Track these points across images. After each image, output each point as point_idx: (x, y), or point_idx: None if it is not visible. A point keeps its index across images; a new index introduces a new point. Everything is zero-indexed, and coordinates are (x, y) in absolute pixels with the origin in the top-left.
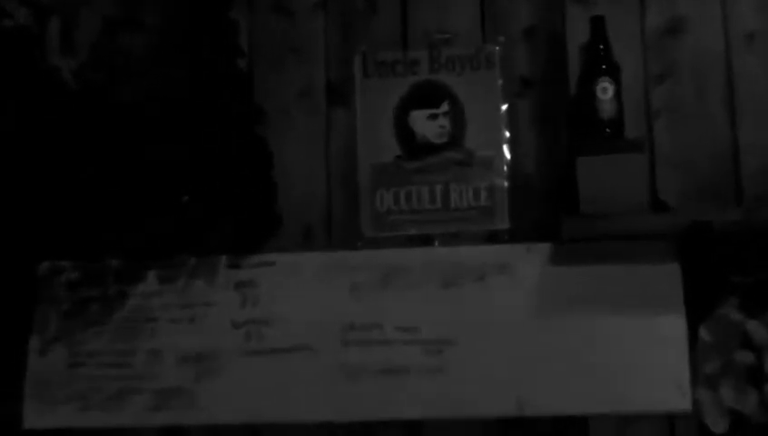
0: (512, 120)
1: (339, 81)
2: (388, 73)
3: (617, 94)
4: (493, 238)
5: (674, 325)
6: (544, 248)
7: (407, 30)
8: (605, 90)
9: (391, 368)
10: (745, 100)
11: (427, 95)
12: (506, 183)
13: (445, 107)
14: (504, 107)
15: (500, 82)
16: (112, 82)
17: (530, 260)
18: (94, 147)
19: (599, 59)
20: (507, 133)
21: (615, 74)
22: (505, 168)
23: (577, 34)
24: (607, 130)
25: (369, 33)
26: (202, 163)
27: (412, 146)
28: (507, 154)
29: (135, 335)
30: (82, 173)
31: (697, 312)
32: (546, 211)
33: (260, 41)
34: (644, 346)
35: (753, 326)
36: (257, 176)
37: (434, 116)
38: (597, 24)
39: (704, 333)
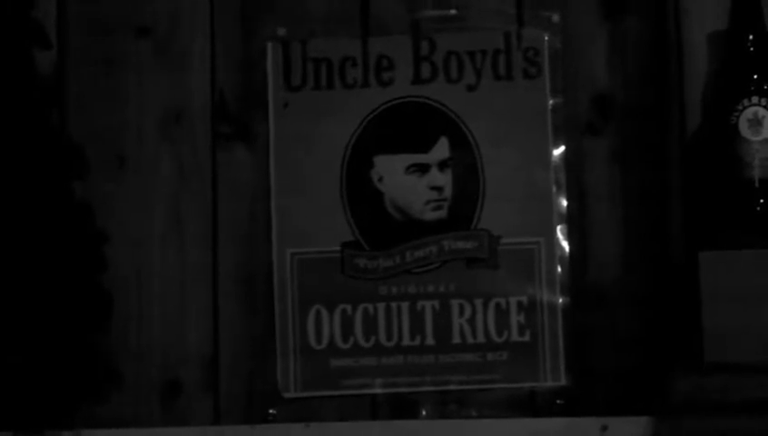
0: (573, 176)
1: (235, 95)
2: (332, 81)
3: None
4: (535, 405)
5: None
6: (632, 426)
7: None
8: (757, 122)
9: None
10: None
11: (407, 128)
12: (560, 300)
13: (443, 151)
14: (557, 152)
15: (552, 102)
16: None
17: None
18: None
19: (748, 62)
20: (565, 203)
21: None
22: (558, 270)
23: (704, 14)
24: (761, 199)
25: (292, 2)
26: None
27: (379, 225)
28: (565, 245)
29: None
30: None
31: None
32: (635, 352)
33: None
34: None
35: None
36: (74, 289)
37: (421, 169)
38: None
39: None
